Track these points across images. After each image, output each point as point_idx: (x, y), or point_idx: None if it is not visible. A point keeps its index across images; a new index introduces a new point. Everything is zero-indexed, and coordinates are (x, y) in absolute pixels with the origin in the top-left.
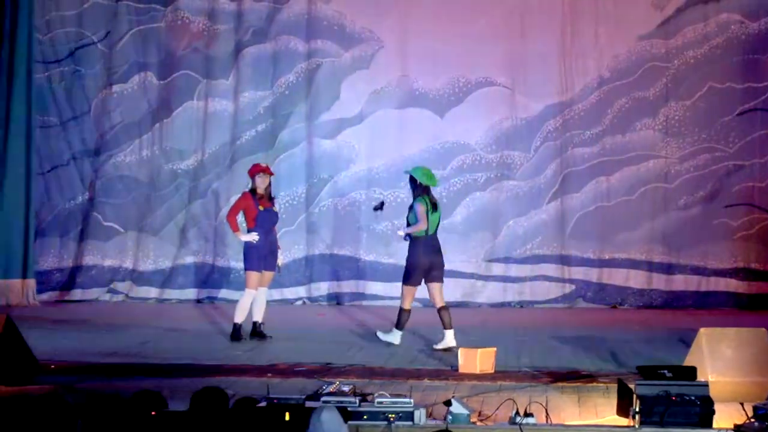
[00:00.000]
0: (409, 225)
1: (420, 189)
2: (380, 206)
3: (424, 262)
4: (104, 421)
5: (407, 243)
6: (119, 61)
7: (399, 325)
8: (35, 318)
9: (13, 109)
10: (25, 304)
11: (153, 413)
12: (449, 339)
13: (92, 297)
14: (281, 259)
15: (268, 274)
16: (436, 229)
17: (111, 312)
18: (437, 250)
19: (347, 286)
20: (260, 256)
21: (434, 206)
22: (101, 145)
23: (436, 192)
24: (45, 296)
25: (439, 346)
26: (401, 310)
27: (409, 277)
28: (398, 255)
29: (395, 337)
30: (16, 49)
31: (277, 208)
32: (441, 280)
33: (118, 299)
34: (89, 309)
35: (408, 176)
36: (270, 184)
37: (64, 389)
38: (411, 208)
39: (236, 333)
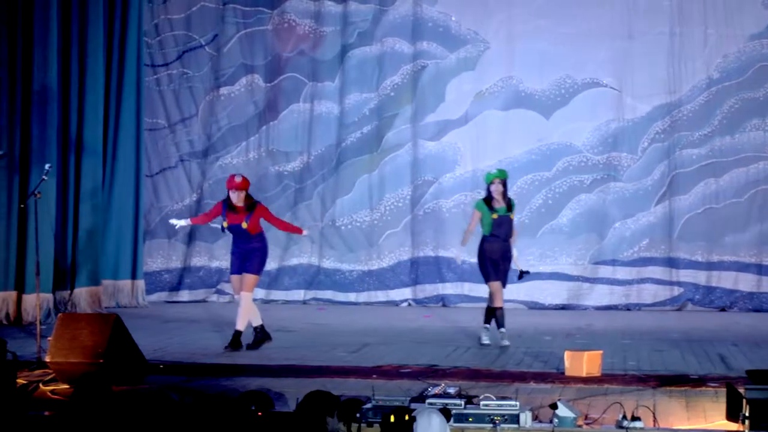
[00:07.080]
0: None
1: None
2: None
3: None
4: (211, 421)
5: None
6: (226, 63)
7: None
8: (144, 318)
9: (123, 112)
10: (135, 305)
11: (260, 414)
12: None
13: (200, 298)
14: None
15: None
16: None
17: (218, 313)
18: None
19: (452, 288)
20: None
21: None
22: (208, 147)
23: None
24: (154, 297)
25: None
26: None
27: None
28: None
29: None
30: (126, 53)
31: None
32: None
33: (225, 300)
34: (197, 310)
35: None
36: (242, 197)
37: (173, 389)
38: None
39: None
